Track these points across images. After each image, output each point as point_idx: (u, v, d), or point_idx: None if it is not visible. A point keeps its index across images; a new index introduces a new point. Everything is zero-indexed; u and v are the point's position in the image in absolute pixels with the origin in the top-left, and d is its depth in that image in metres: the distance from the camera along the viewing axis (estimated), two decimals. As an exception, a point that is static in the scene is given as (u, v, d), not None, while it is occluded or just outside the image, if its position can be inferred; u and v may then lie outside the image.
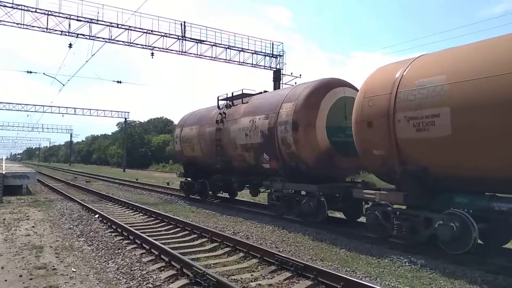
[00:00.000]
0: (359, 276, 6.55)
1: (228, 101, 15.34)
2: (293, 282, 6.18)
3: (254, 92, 14.71)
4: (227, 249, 8.23)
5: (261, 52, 28.98)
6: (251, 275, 6.49)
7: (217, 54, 27.59)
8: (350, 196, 9.84)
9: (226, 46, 27.59)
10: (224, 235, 8.93)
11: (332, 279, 5.92)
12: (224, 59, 27.93)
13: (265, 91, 14.72)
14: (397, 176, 8.18)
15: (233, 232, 10.14)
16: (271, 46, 29.29)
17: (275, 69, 29.41)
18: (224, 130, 14.58)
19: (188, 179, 18.40)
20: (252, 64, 28.92)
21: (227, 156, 14.62)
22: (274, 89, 28.84)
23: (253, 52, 28.64)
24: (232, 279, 6.23)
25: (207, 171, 17.08)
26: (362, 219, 10.58)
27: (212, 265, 7.14)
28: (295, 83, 27.99)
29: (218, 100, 16.04)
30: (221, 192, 17.50)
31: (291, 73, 29.17)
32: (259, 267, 7.04)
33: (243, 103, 14.40)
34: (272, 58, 29.35)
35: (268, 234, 10.09)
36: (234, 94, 15.09)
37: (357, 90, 9.80)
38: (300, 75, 29.24)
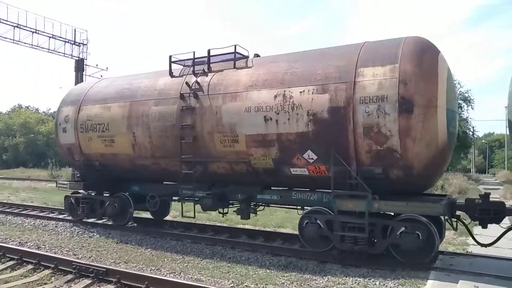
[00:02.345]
0: (164, 274, 6.72)
1: (197, 65, 9.28)
2: (94, 290, 5.91)
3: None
4: (11, 262, 7.21)
5: (61, 37, 26.17)
6: (43, 290, 5.92)
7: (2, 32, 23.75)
8: None
9: (15, 25, 23.93)
10: (6, 247, 7.79)
11: (136, 280, 5.96)
12: (11, 39, 24.07)
13: (255, 55, 9.32)
14: None
15: (19, 242, 8.83)
16: (73, 33, 26.88)
17: (77, 58, 26.96)
18: (202, 111, 8.57)
19: (87, 192, 11.02)
20: (49, 49, 25.81)
21: (206, 155, 8.67)
22: (77, 82, 25.73)
23: (50, 35, 25.59)
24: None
25: (132, 178, 10.45)
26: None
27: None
28: (101, 76, 24.27)
29: (170, 61, 9.68)
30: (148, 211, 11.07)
31: (96, 65, 27.52)
32: (53, 278, 6.53)
33: (236, 67, 8.73)
34: (74, 45, 26.97)
35: (65, 241, 9.27)
36: (211, 53, 9.15)
37: None
38: (107, 67, 28.53)
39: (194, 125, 8.62)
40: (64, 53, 26.61)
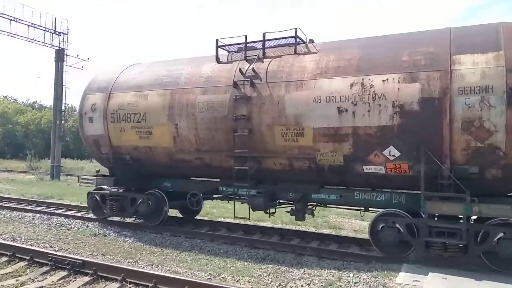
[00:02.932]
0: (141, 266, 6.77)
1: (249, 50, 8.38)
2: (68, 281, 5.95)
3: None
4: (-16, 256, 6.93)
5: (40, 26, 24.98)
6: (16, 280, 5.87)
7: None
8: None
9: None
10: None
11: (112, 272, 5.99)
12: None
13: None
14: None
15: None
16: (53, 21, 25.71)
17: (58, 48, 25.89)
18: (260, 101, 7.70)
19: (115, 188, 10.04)
20: (28, 38, 24.69)
21: (262, 149, 7.81)
22: (57, 72, 25.69)
23: (30, 24, 24.40)
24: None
25: (165, 174, 9.62)
26: None
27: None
28: (82, 66, 27.59)
29: (217, 46, 8.75)
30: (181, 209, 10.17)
31: (77, 55, 26.65)
32: (28, 270, 6.41)
33: (296, 53, 7.87)
34: (54, 35, 25.80)
35: (42, 233, 9.04)
36: (266, 38, 8.25)
37: None
38: (88, 58, 28.11)
39: (250, 117, 7.75)
40: (44, 43, 25.47)
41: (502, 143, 5.94)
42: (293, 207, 8.33)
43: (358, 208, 8.10)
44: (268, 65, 7.93)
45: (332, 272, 6.53)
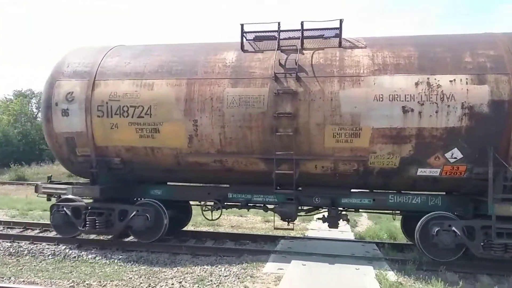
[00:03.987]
0: None
1: (282, 39, 7.45)
2: None
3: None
4: None
5: None
6: None
7: None
8: None
9: None
10: None
11: None
12: None
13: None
14: None
15: None
16: None
17: None
18: (309, 97, 6.86)
19: (101, 199, 8.03)
20: None
21: (306, 151, 6.99)
22: None
23: None
24: None
25: (160, 180, 8.35)
26: None
27: None
28: None
29: (243, 32, 7.60)
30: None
31: None
32: None
33: (342, 46, 7.24)
34: None
35: None
36: (305, 27, 7.42)
37: None
38: None
39: (296, 114, 6.86)
40: None
41: None
42: (325, 214, 7.74)
43: (393, 211, 7.88)
44: (312, 57, 7.15)
45: (205, 268, 6.77)
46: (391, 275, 6.17)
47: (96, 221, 7.76)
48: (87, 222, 7.81)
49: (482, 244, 6.64)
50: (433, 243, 6.89)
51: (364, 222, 12.04)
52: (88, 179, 8.11)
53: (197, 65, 7.46)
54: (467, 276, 6.63)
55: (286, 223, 7.91)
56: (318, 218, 7.83)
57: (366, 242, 8.81)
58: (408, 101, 6.55)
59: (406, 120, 6.56)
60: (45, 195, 8.44)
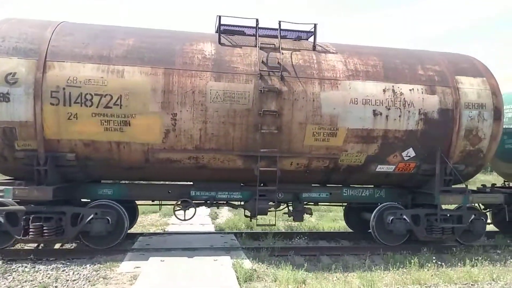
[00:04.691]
0: None
1: (260, 37, 7.43)
2: None
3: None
4: None
5: None
6: None
7: None
8: None
9: None
10: None
11: None
12: None
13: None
14: None
15: None
16: None
17: None
18: (293, 96, 7.06)
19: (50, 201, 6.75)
20: None
21: (286, 149, 7.19)
22: None
23: None
24: None
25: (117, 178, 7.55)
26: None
27: None
28: None
29: (220, 24, 7.33)
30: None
31: None
32: None
33: (316, 50, 7.61)
34: None
35: None
36: (282, 27, 7.52)
37: None
38: None
39: (281, 113, 7.00)
40: None
41: (484, 148, 7.85)
42: (290, 208, 8.10)
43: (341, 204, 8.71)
44: (291, 57, 7.36)
45: (49, 273, 6.06)
46: (247, 263, 6.45)
47: (44, 228, 6.57)
48: (31, 230, 6.54)
49: (425, 228, 7.89)
50: (388, 230, 7.88)
51: (225, 214, 12.14)
52: (13, 179, 6.85)
53: (174, 54, 6.92)
54: (311, 258, 7.35)
55: (250, 219, 8.05)
56: (284, 213, 8.13)
57: (225, 233, 9.06)
58: (377, 105, 7.33)
59: (376, 122, 7.33)
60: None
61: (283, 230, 9.93)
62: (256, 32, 7.44)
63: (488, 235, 9.15)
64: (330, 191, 8.22)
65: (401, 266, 6.81)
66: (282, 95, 7.03)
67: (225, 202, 7.96)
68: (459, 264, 7.10)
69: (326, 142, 7.28)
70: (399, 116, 7.40)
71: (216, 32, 7.61)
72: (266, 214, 7.82)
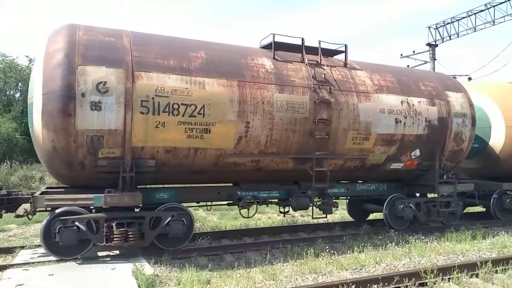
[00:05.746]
0: None
1: (306, 54, 8.51)
2: None
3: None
4: None
5: None
6: None
7: None
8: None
9: None
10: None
11: None
12: None
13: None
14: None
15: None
16: None
17: None
18: (339, 106, 8.29)
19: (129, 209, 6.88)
20: None
21: (332, 152, 8.40)
22: None
23: None
24: None
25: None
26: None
27: None
28: None
29: (274, 41, 8.21)
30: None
31: None
32: None
33: (347, 67, 8.95)
34: None
35: None
36: (323, 46, 8.68)
37: None
38: None
39: (330, 121, 8.19)
40: None
41: (464, 148, 10.07)
42: (322, 203, 9.32)
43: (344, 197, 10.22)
44: (331, 73, 8.59)
45: None
46: (148, 269, 6.27)
47: (129, 233, 6.76)
48: (116, 235, 6.68)
49: (424, 214, 9.81)
50: (399, 216, 9.60)
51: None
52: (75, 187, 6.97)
53: (242, 68, 7.64)
54: (215, 258, 7.54)
55: (284, 215, 9.08)
56: (316, 207, 9.31)
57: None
58: (398, 114, 8.97)
59: (396, 128, 8.96)
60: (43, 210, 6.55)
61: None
62: (302, 49, 8.51)
63: (371, 223, 10.32)
64: (347, 187, 9.63)
65: (299, 257, 7.24)
66: (331, 106, 8.23)
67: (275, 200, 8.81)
68: (348, 251, 7.72)
69: (361, 145, 8.69)
70: (412, 123, 9.15)
71: (262, 47, 8.52)
72: (307, 209, 8.92)
